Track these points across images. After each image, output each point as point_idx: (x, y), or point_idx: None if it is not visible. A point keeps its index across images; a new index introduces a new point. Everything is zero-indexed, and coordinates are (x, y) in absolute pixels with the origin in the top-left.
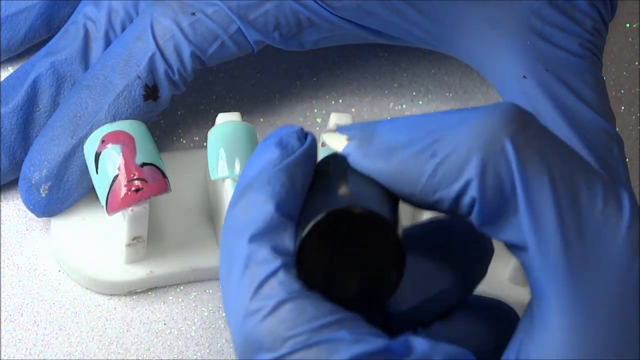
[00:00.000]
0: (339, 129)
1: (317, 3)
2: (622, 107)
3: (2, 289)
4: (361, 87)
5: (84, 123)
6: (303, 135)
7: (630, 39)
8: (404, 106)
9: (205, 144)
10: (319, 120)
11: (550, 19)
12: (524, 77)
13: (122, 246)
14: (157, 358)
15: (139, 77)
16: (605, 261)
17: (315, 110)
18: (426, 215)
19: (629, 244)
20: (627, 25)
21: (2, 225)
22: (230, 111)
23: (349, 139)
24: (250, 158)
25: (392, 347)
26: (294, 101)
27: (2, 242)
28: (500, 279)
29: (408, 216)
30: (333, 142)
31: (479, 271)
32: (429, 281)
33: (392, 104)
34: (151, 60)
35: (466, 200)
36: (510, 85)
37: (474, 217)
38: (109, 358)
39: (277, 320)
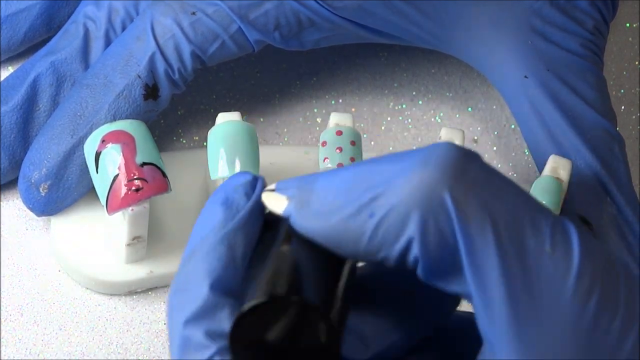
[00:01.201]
0: (279, 189)
1: (318, 3)
2: (622, 107)
3: (2, 289)
4: (361, 87)
5: (84, 122)
6: (251, 187)
7: (630, 39)
8: (404, 106)
9: (205, 143)
10: (319, 120)
11: (551, 19)
12: (525, 76)
13: (122, 246)
14: (157, 358)
15: (139, 77)
16: (554, 311)
17: (315, 110)
18: None
19: (579, 291)
20: (627, 25)
21: (2, 225)
22: (230, 111)
23: (288, 200)
24: (199, 217)
25: None
26: (294, 101)
27: (2, 242)
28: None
29: None
30: (272, 203)
31: (452, 304)
32: (388, 329)
33: (392, 104)
34: (151, 60)
35: (410, 257)
36: (511, 85)
37: (419, 272)
38: (109, 358)
39: None
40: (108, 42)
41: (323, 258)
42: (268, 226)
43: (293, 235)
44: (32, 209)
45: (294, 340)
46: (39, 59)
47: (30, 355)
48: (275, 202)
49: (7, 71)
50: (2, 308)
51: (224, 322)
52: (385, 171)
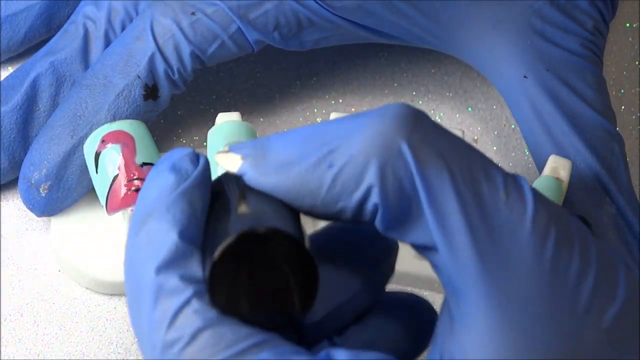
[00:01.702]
0: (231, 149)
1: (317, 3)
2: (623, 107)
3: (2, 289)
4: (361, 87)
5: (84, 123)
6: (195, 157)
7: (630, 39)
8: None
9: (205, 143)
10: (319, 120)
11: (551, 19)
12: (525, 76)
13: (122, 246)
14: None
15: (139, 77)
16: (515, 252)
17: (315, 110)
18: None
19: (536, 233)
20: (627, 25)
21: (2, 225)
22: (230, 111)
23: (243, 159)
24: (145, 184)
25: None
26: (294, 101)
27: (2, 242)
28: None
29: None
30: (226, 163)
31: (387, 268)
32: (337, 288)
33: None
34: (151, 60)
35: (369, 207)
36: (511, 85)
37: (378, 223)
38: (109, 358)
39: (197, 349)
40: (108, 42)
41: (279, 219)
42: (216, 193)
43: (248, 196)
44: (32, 210)
45: (271, 281)
46: (39, 59)
47: (30, 355)
48: (229, 161)
49: (7, 71)
50: (2, 308)
51: (195, 268)
52: (341, 127)
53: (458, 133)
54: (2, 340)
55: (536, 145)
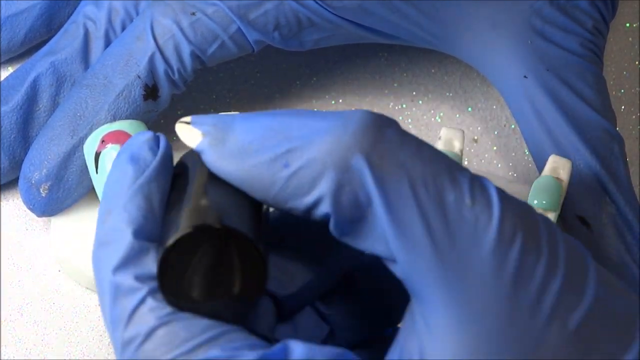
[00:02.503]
0: (194, 122)
1: (317, 3)
2: (623, 107)
3: (2, 289)
4: (361, 87)
5: (84, 123)
6: (155, 143)
7: (630, 39)
8: (404, 106)
9: None
10: None
11: (551, 19)
12: (525, 76)
13: None
14: None
15: (139, 77)
16: (477, 263)
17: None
18: None
19: (500, 240)
20: (627, 25)
21: (2, 225)
22: (230, 111)
23: (202, 135)
24: (108, 177)
25: (267, 357)
26: (294, 101)
27: (2, 242)
28: None
29: None
30: (186, 136)
31: None
32: (312, 258)
33: (392, 104)
34: (151, 60)
35: (318, 213)
36: (511, 85)
37: (331, 229)
38: (109, 358)
39: (152, 347)
40: (108, 43)
41: (237, 209)
42: (178, 176)
43: (208, 183)
44: (32, 210)
45: (221, 271)
46: (39, 59)
47: (30, 355)
48: (189, 136)
49: (7, 71)
50: (2, 308)
51: (151, 265)
52: (305, 126)
53: (457, 133)
54: (2, 340)
55: (536, 145)
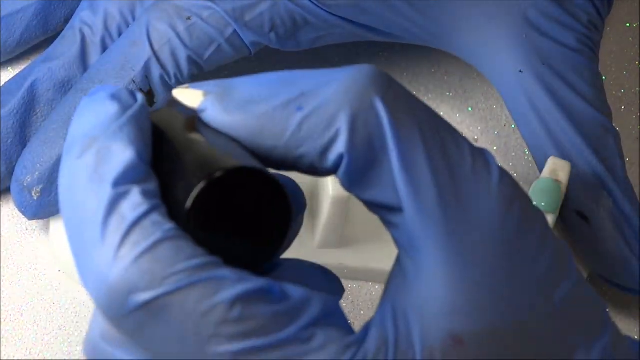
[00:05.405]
0: (192, 85)
1: (312, 2)
2: (622, 107)
3: (2, 289)
4: None
5: None
6: (132, 92)
7: (630, 38)
8: None
9: None
10: None
11: (546, 13)
12: (520, 70)
13: None
14: None
15: (134, 82)
16: (480, 214)
17: None
18: None
19: (501, 197)
20: (627, 24)
21: (2, 225)
22: None
23: (205, 94)
24: (78, 113)
25: (273, 288)
26: None
27: (2, 242)
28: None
29: None
30: (186, 98)
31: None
32: None
33: None
34: (147, 65)
35: (332, 155)
36: (507, 79)
37: (341, 174)
38: None
39: (154, 259)
40: (105, 48)
41: (247, 158)
42: (161, 136)
43: (206, 135)
44: (24, 213)
45: (253, 213)
46: (37, 65)
47: (30, 355)
48: (190, 96)
49: (8, 72)
50: (2, 308)
51: (155, 186)
52: (316, 75)
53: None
54: (2, 340)
55: (533, 139)
